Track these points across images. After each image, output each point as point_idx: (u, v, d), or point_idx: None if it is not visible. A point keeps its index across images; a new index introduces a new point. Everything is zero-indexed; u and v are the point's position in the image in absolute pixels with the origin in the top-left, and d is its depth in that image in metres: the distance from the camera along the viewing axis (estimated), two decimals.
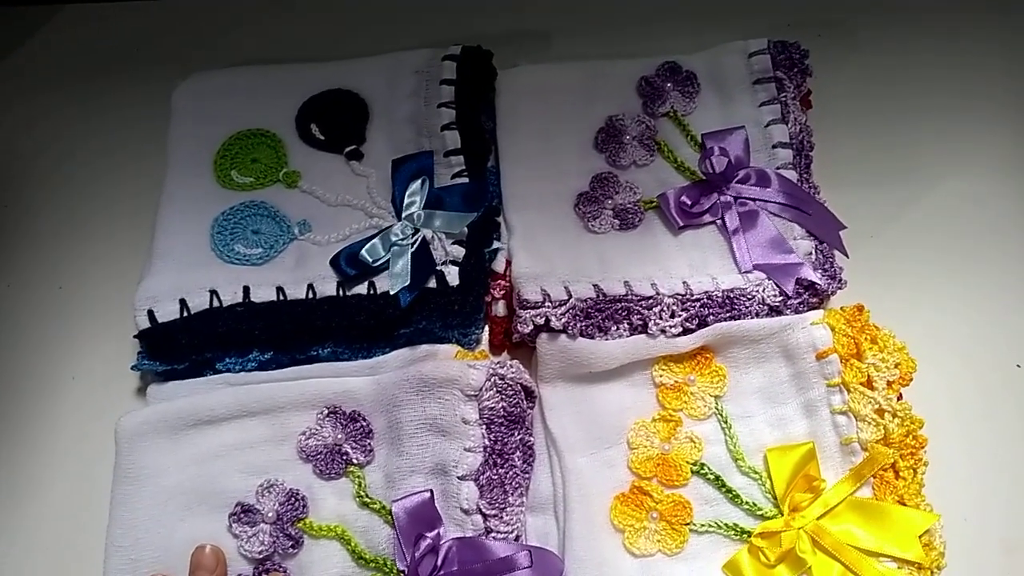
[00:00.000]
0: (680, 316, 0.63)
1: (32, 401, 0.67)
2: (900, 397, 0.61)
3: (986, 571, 0.61)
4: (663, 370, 0.63)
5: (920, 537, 0.57)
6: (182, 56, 0.79)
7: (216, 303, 0.63)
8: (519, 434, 0.60)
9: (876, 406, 0.60)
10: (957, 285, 0.71)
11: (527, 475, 0.60)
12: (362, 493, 0.59)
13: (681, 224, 0.67)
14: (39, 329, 0.70)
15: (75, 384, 0.68)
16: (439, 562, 0.55)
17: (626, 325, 0.64)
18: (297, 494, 0.59)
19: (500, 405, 0.59)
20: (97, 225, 0.73)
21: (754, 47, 0.73)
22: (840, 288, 0.65)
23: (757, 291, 0.64)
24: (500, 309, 0.67)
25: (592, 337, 0.63)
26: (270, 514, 0.58)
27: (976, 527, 0.62)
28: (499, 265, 0.67)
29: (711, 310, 0.64)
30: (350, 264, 0.64)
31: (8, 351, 0.69)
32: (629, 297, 0.64)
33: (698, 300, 0.64)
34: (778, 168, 0.69)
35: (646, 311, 0.63)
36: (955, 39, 0.81)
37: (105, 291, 0.70)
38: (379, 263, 0.64)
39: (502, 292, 0.67)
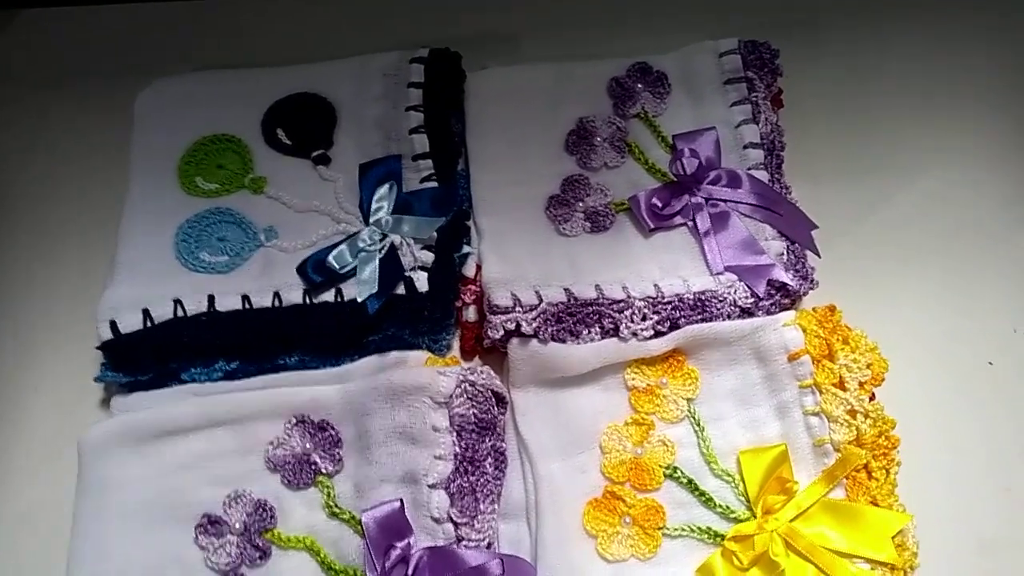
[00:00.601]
0: (652, 319, 0.63)
1: None
2: (872, 397, 0.61)
3: (960, 571, 0.61)
4: (635, 373, 0.63)
5: (893, 538, 0.57)
6: (146, 61, 0.78)
7: (180, 312, 0.62)
8: (490, 440, 0.59)
9: (848, 407, 0.60)
10: (929, 283, 0.71)
11: (499, 482, 0.59)
12: (331, 503, 0.58)
13: (652, 226, 0.67)
14: (1, 339, 0.68)
15: (38, 395, 0.66)
16: (410, 572, 0.55)
17: (597, 329, 0.63)
18: (265, 504, 0.58)
19: (471, 412, 0.59)
20: (60, 234, 0.72)
21: (725, 47, 0.73)
22: (812, 288, 0.65)
23: (728, 293, 0.64)
24: (471, 314, 0.66)
25: (563, 341, 0.62)
26: (237, 525, 0.57)
27: (950, 526, 0.62)
28: (469, 270, 0.66)
29: (683, 312, 0.63)
30: (317, 271, 0.63)
31: None
32: (600, 300, 0.63)
33: (669, 303, 0.63)
34: (749, 169, 0.69)
35: (617, 314, 0.63)
36: (926, 37, 0.82)
37: (68, 301, 0.69)
38: (346, 270, 0.63)
39: (472, 297, 0.66)
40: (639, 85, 0.73)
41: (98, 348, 0.62)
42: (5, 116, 0.77)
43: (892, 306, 0.70)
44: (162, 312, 0.62)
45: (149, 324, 0.62)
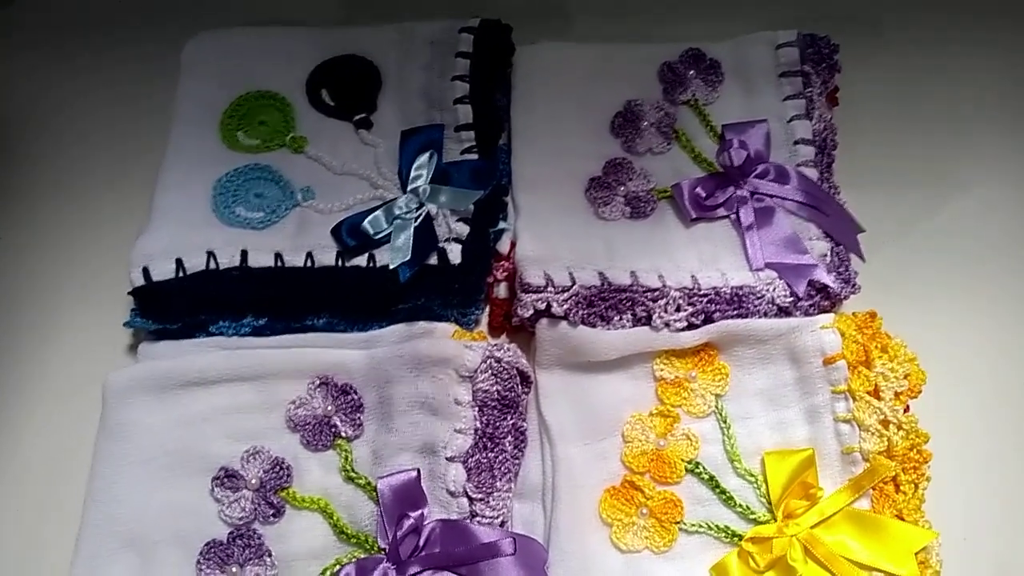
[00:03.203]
0: (686, 311, 0.62)
1: (22, 352, 0.67)
2: (907, 409, 0.59)
3: None
4: (664, 364, 0.62)
5: (916, 554, 0.56)
6: (192, 11, 0.77)
7: (213, 265, 0.62)
8: (512, 419, 0.58)
9: (881, 416, 0.58)
10: (974, 298, 0.69)
11: (517, 461, 0.59)
12: (348, 467, 0.58)
13: (694, 216, 0.65)
14: (35, 279, 0.69)
15: (67, 337, 0.67)
16: (421, 542, 0.54)
17: (629, 316, 0.62)
18: (282, 463, 0.58)
19: (494, 388, 0.58)
20: (97, 179, 0.72)
21: (783, 38, 0.71)
22: (853, 293, 0.64)
23: (767, 290, 0.62)
24: (501, 291, 0.65)
25: (594, 326, 0.61)
26: (253, 481, 0.57)
27: (974, 548, 0.60)
28: (503, 246, 0.65)
29: (718, 306, 0.62)
30: (351, 235, 0.63)
31: (2, 300, 0.68)
32: (634, 288, 0.62)
33: (705, 295, 0.62)
34: (799, 165, 0.67)
35: (651, 303, 0.62)
36: (989, 43, 0.79)
37: (101, 245, 0.69)
38: (381, 236, 0.63)
39: (504, 274, 0.65)
40: (691, 71, 0.71)
41: (129, 294, 0.62)
42: (53, 58, 0.78)
43: (935, 317, 0.68)
44: (195, 263, 0.62)
45: (181, 274, 0.62)
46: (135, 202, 0.67)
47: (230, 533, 0.56)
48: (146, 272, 0.62)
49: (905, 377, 0.59)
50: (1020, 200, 0.73)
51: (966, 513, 0.61)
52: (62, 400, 0.65)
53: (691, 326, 0.62)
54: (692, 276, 0.63)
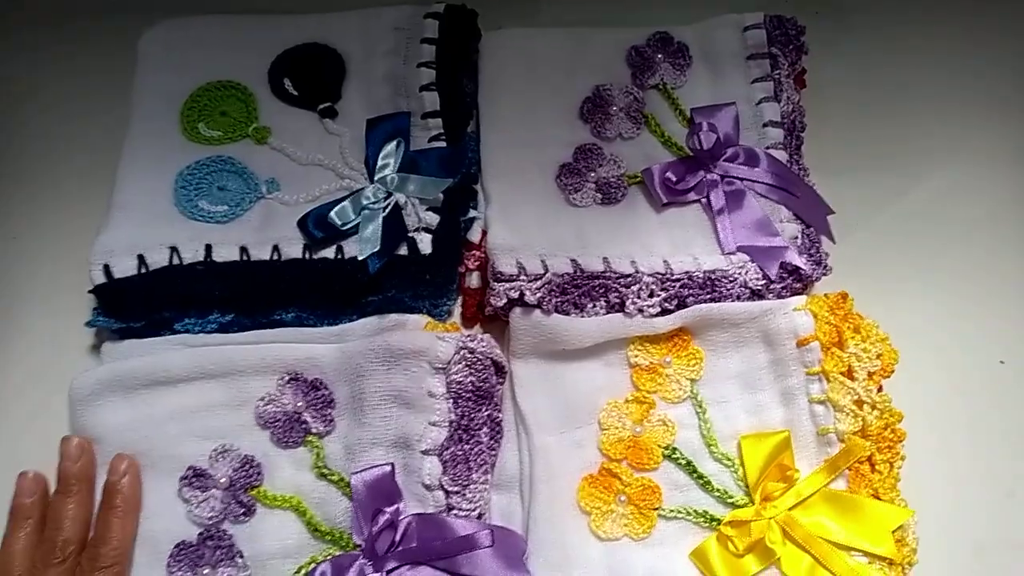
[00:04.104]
0: (659, 296, 0.61)
1: None
2: (880, 389, 0.59)
3: (957, 570, 0.60)
4: (639, 351, 0.61)
5: (893, 532, 0.56)
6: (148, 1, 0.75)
7: (176, 260, 0.61)
8: (487, 409, 0.58)
9: (855, 397, 0.59)
10: (944, 277, 0.69)
11: (493, 452, 0.58)
12: (320, 464, 0.57)
13: (665, 201, 0.65)
14: None
15: (28, 338, 0.65)
16: (397, 537, 0.54)
17: (603, 303, 0.61)
18: (252, 461, 0.56)
19: (468, 379, 0.57)
20: (55, 174, 0.70)
21: (749, 21, 0.70)
22: (825, 274, 0.64)
23: (740, 273, 0.62)
24: (474, 280, 0.65)
25: (567, 313, 0.61)
26: (222, 480, 0.56)
27: (949, 525, 0.61)
28: (474, 235, 0.64)
29: (691, 291, 0.61)
30: (318, 226, 0.61)
31: None
32: (607, 274, 0.62)
33: (678, 280, 0.62)
34: (768, 148, 0.67)
35: (624, 289, 0.61)
36: (955, 27, 0.79)
37: (62, 243, 0.67)
38: (348, 227, 0.62)
39: (476, 263, 0.64)
40: (659, 55, 0.70)
41: (90, 292, 0.60)
42: (7, 51, 0.75)
43: (904, 299, 0.68)
44: (157, 259, 0.60)
45: (144, 270, 0.60)
46: (95, 198, 0.65)
47: (200, 534, 0.55)
48: (107, 269, 0.60)
49: (878, 357, 0.60)
50: (989, 180, 0.73)
51: (941, 491, 0.62)
52: (25, 403, 0.63)
53: (664, 311, 0.61)
54: (664, 261, 0.63)
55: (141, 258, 0.60)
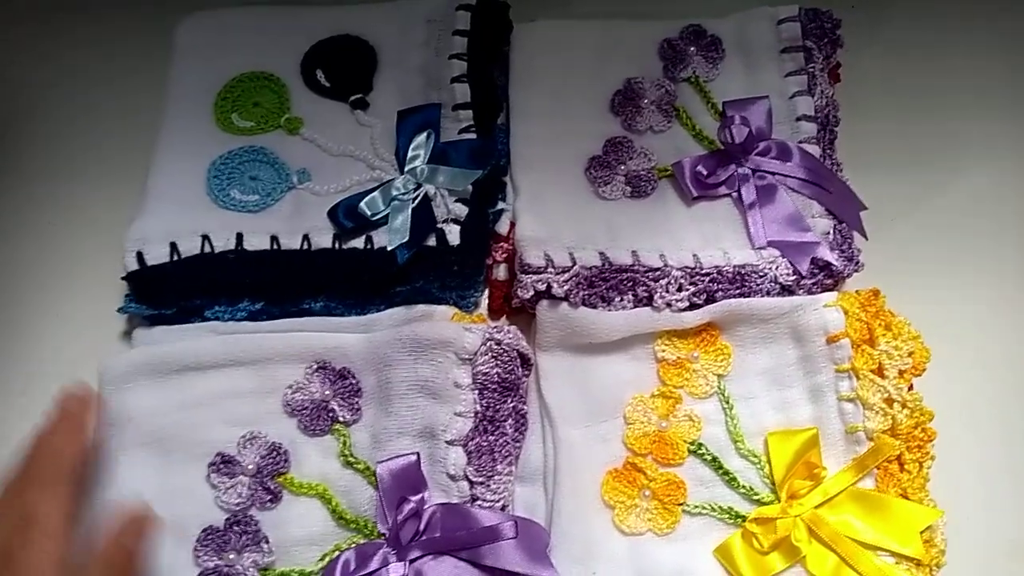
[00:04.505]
0: (688, 290, 0.61)
1: (15, 337, 0.66)
2: (911, 387, 0.59)
3: (986, 572, 0.59)
4: (666, 345, 0.61)
5: (921, 533, 0.55)
6: None
7: (208, 249, 0.61)
8: (512, 401, 0.58)
9: (886, 395, 0.58)
10: (978, 275, 0.68)
11: (518, 444, 0.58)
12: (347, 452, 0.57)
13: (695, 195, 0.65)
14: (26, 264, 0.68)
15: (60, 322, 0.66)
16: (422, 527, 0.54)
17: (631, 296, 0.61)
18: (279, 448, 0.57)
19: (494, 371, 0.57)
20: (91, 161, 0.71)
21: (784, 14, 0.70)
22: (856, 271, 0.63)
23: (770, 269, 0.62)
24: (501, 272, 0.65)
25: (595, 307, 0.61)
26: (250, 466, 0.56)
27: (979, 527, 0.60)
28: (503, 227, 0.64)
29: (720, 286, 0.61)
30: (348, 216, 0.62)
31: None
32: (636, 267, 0.61)
33: (707, 275, 0.61)
34: (801, 142, 0.66)
35: (652, 283, 0.61)
36: (993, 19, 0.77)
37: (96, 229, 0.68)
38: (378, 217, 0.62)
39: (504, 255, 0.64)
40: (692, 48, 0.70)
41: (123, 279, 0.61)
42: (46, 39, 0.76)
43: (937, 297, 0.67)
44: (190, 247, 0.61)
45: (176, 257, 0.61)
46: (129, 186, 0.66)
47: (227, 519, 0.55)
48: (140, 256, 0.61)
49: (909, 355, 0.59)
50: (1020, 183, 0.72)
51: (971, 491, 0.61)
52: (57, 387, 0.63)
53: (693, 306, 0.61)
54: (694, 255, 0.62)
55: (173, 246, 0.61)
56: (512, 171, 0.66)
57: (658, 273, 0.61)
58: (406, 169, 0.64)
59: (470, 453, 0.56)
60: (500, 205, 0.65)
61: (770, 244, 0.62)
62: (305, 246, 0.62)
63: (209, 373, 0.59)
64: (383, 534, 0.54)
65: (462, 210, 0.62)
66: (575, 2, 0.77)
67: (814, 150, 0.66)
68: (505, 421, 0.57)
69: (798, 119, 0.67)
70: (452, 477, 0.55)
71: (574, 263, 0.61)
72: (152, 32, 0.71)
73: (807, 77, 0.68)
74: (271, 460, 0.57)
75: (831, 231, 0.63)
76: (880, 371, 0.58)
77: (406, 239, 0.61)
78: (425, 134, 0.65)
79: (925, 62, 0.76)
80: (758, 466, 0.58)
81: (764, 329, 0.61)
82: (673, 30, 0.70)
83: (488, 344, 0.58)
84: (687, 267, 0.61)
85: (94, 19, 0.77)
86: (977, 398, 0.64)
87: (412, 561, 0.53)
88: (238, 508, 0.56)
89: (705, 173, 0.65)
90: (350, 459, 0.57)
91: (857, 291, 0.61)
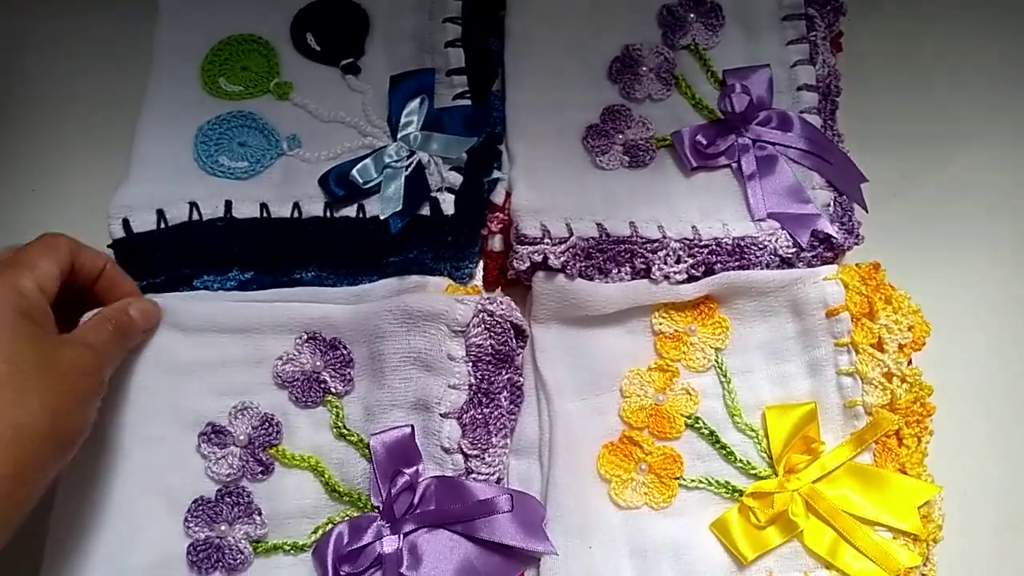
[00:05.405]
0: (686, 262, 0.60)
1: None
2: (910, 362, 0.58)
3: (983, 547, 0.59)
4: (663, 318, 0.60)
5: (919, 508, 0.55)
6: None
7: (196, 216, 0.60)
8: (506, 373, 0.57)
9: (885, 369, 0.57)
10: (979, 249, 0.68)
11: (513, 416, 0.57)
12: (339, 424, 0.56)
13: (694, 165, 0.63)
14: (10, 232, 0.66)
15: None
16: (416, 500, 0.53)
17: (628, 268, 0.60)
18: (271, 419, 0.56)
19: (487, 343, 0.56)
20: (75, 127, 0.70)
21: None
22: (857, 243, 0.62)
23: (769, 241, 0.61)
24: (496, 243, 0.63)
25: (591, 279, 0.60)
26: (241, 437, 0.55)
27: (976, 502, 0.60)
28: (498, 196, 0.63)
29: (719, 258, 0.60)
30: (339, 184, 0.60)
31: None
32: (633, 239, 0.60)
33: (706, 246, 0.60)
34: (802, 112, 0.65)
35: (650, 255, 0.60)
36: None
37: (81, 196, 0.66)
38: (370, 185, 0.61)
39: (499, 225, 0.63)
40: (691, 15, 0.68)
41: (109, 247, 0.60)
42: (25, 5, 0.74)
43: (938, 271, 0.67)
44: (177, 214, 0.60)
45: (163, 225, 0.59)
46: (115, 152, 0.64)
47: (218, 490, 0.54)
48: (126, 224, 0.59)
49: (909, 329, 0.58)
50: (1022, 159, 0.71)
51: (969, 467, 0.61)
52: None
53: (691, 278, 0.60)
54: (692, 227, 0.61)
55: (160, 213, 0.60)
56: (508, 139, 0.64)
57: (656, 245, 0.60)
58: (399, 136, 0.62)
59: (464, 426, 0.55)
60: (495, 174, 0.63)
61: (770, 216, 0.62)
62: (296, 214, 0.60)
63: (193, 336, 0.57)
64: (376, 507, 0.54)
65: (456, 179, 0.61)
66: None
67: (815, 120, 0.65)
68: (500, 393, 0.56)
69: (799, 88, 0.66)
70: (446, 450, 0.54)
71: (571, 234, 0.60)
72: None
73: (809, 46, 0.67)
74: (263, 431, 0.56)
75: (831, 203, 0.62)
76: (880, 345, 0.58)
77: (399, 208, 0.59)
78: (418, 100, 0.63)
79: (928, 34, 0.75)
80: (755, 440, 0.58)
81: (763, 302, 0.60)
82: None
83: (480, 316, 0.57)
84: (686, 239, 0.60)
85: None
86: (977, 373, 0.64)
87: (406, 534, 0.52)
88: (228, 479, 0.55)
89: (705, 143, 0.63)
90: (343, 431, 0.56)
91: (857, 264, 0.60)
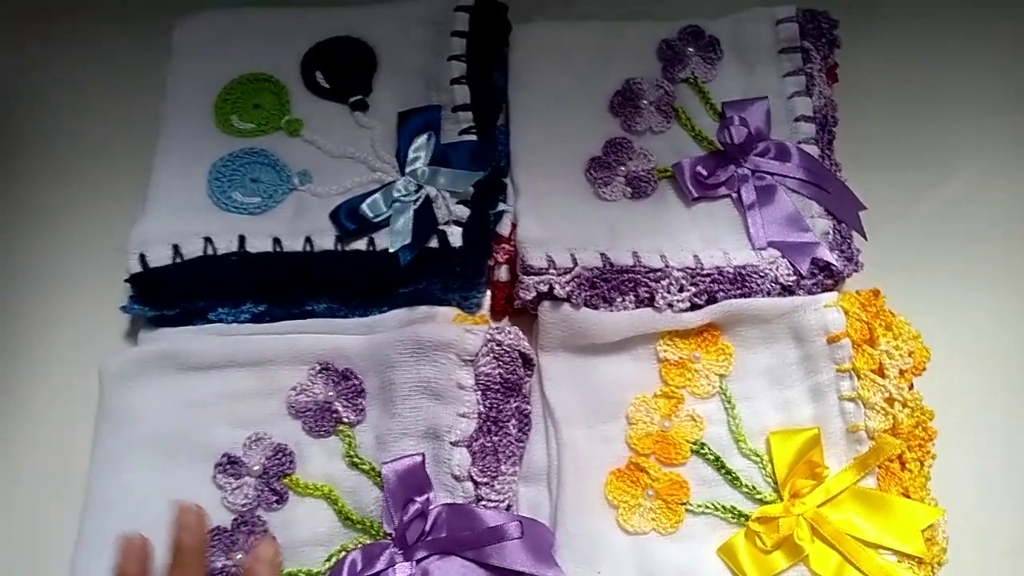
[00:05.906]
0: (689, 291, 0.61)
1: (19, 338, 0.66)
2: (911, 387, 0.59)
3: (988, 571, 0.60)
4: (668, 345, 0.61)
5: (923, 531, 0.56)
6: None
7: (210, 251, 0.61)
8: (515, 402, 0.58)
9: (886, 394, 0.58)
10: (977, 274, 0.69)
11: (521, 444, 0.58)
12: (351, 453, 0.57)
13: (695, 195, 0.65)
14: (29, 266, 0.68)
15: (65, 325, 0.66)
16: (427, 527, 0.54)
17: (632, 297, 0.61)
18: (285, 449, 0.57)
19: (496, 371, 0.58)
20: (93, 163, 0.71)
21: (781, 14, 0.70)
22: (856, 271, 0.63)
23: (770, 269, 0.62)
24: (503, 274, 0.65)
25: (596, 307, 0.61)
26: (256, 467, 0.56)
27: (980, 525, 0.60)
28: (504, 228, 0.65)
29: (721, 286, 0.61)
30: (350, 218, 0.62)
31: None
32: (637, 268, 0.62)
33: (708, 275, 0.62)
34: (799, 142, 0.66)
35: (654, 284, 0.61)
36: (988, 19, 0.78)
37: (99, 230, 0.68)
38: (380, 219, 0.62)
39: (506, 256, 0.64)
40: (690, 49, 0.70)
41: (127, 281, 0.61)
42: (47, 39, 0.76)
43: (937, 296, 0.68)
44: (192, 249, 0.61)
45: (178, 260, 0.61)
46: (131, 187, 0.66)
47: (234, 519, 0.55)
48: (143, 258, 0.60)
49: (909, 355, 0.59)
50: (1016, 179, 0.72)
51: (971, 490, 0.61)
52: (61, 387, 0.64)
53: (694, 306, 0.62)
54: (694, 256, 0.62)
55: (176, 248, 0.61)
56: (512, 172, 0.66)
57: (659, 274, 0.61)
58: (407, 171, 0.64)
59: (474, 454, 0.56)
60: (501, 206, 0.65)
61: (770, 244, 0.63)
62: (307, 248, 0.62)
63: (210, 373, 0.59)
64: (389, 534, 0.55)
65: (463, 211, 0.62)
66: (574, 2, 0.77)
67: (813, 150, 0.66)
68: (508, 421, 0.57)
69: (796, 119, 0.67)
70: (457, 478, 0.55)
71: (575, 264, 0.61)
72: (152, 31, 0.71)
73: (805, 77, 0.68)
74: (277, 461, 0.57)
75: (831, 231, 0.64)
76: (881, 371, 0.59)
77: (408, 241, 0.61)
78: (426, 136, 0.65)
79: (921, 61, 0.76)
80: (760, 465, 0.59)
81: (765, 329, 0.61)
82: (671, 31, 0.71)
83: (489, 345, 0.58)
84: (688, 268, 0.62)
85: (94, 19, 0.76)
86: (977, 396, 0.64)
87: (418, 561, 0.53)
88: (245, 509, 0.56)
89: (705, 174, 0.65)
90: (355, 460, 0.57)
91: (857, 291, 0.62)
